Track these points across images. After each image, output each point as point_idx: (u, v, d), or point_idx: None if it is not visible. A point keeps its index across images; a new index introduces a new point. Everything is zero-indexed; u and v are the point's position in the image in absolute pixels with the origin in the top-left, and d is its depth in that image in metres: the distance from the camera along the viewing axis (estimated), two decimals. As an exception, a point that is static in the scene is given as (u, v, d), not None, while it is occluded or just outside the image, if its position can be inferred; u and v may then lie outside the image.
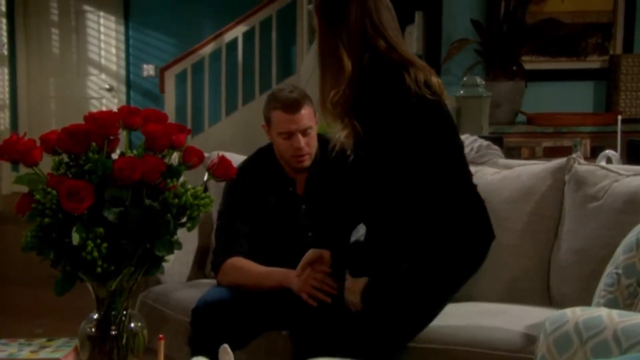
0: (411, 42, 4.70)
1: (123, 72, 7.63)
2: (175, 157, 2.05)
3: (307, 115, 2.60)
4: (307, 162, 2.63)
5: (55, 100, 7.71)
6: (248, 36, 6.74)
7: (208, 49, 6.73)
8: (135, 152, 1.98)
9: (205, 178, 2.08)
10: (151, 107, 7.08)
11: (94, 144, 1.91)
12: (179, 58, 6.73)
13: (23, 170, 1.91)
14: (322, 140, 2.71)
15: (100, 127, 1.92)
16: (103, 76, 7.72)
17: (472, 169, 2.72)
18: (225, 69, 6.75)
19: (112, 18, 7.64)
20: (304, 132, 2.60)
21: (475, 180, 2.50)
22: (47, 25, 7.79)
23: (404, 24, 4.90)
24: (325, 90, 2.32)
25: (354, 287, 2.29)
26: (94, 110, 7.61)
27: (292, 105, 2.58)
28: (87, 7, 7.73)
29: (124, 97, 7.63)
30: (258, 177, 2.73)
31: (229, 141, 6.21)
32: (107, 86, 7.69)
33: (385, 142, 2.19)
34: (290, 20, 6.89)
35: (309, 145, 2.61)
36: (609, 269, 1.97)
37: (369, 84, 2.22)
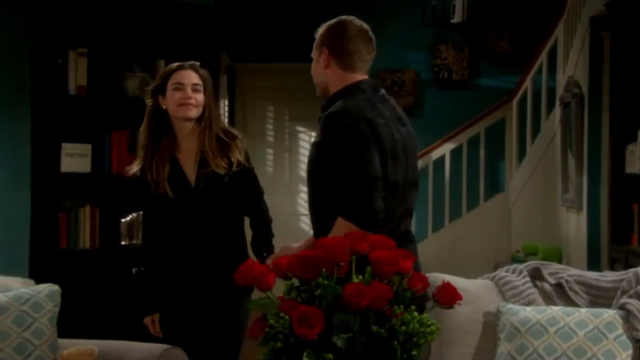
0: (634, 161, 4.49)
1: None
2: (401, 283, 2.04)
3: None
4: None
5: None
6: (455, 153, 6.77)
7: (415, 167, 6.77)
8: (360, 277, 1.99)
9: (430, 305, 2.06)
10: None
11: (324, 270, 1.94)
12: (386, 176, 6.82)
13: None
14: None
15: (330, 253, 1.95)
16: (312, 193, 8.00)
17: None
18: (432, 186, 6.76)
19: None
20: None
21: None
22: (263, 145, 8.28)
23: (624, 142, 4.73)
24: None
25: None
26: (304, 227, 7.91)
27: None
28: (299, 128, 8.16)
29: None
30: None
31: (435, 259, 6.15)
32: (316, 203, 7.95)
33: None
34: (499, 137, 6.86)
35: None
36: None
37: None
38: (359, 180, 2.51)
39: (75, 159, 4.43)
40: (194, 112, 3.10)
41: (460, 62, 7.28)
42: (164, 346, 2.62)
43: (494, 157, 6.96)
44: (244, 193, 3.16)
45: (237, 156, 3.12)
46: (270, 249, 3.16)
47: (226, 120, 7.93)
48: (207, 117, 3.14)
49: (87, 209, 4.47)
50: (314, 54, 2.76)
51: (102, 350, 2.62)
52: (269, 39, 7.84)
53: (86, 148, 4.47)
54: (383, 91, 2.81)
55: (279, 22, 7.75)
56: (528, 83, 6.53)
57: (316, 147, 2.64)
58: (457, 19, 6.74)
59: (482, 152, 6.75)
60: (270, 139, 8.30)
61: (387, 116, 2.67)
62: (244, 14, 7.45)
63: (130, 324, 4.25)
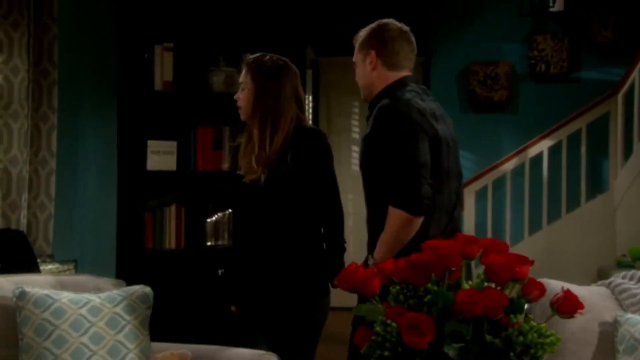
0: None
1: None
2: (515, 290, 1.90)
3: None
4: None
5: (353, 216, 7.93)
6: (554, 151, 6.53)
7: (510, 165, 6.63)
8: (470, 283, 1.86)
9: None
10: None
11: (433, 275, 1.82)
12: (479, 174, 6.69)
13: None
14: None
15: (441, 257, 1.84)
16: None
17: None
18: (529, 185, 6.57)
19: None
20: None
21: None
22: (348, 143, 8.19)
23: None
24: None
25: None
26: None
27: None
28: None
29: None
30: None
31: (531, 263, 5.90)
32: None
33: None
34: (602, 133, 6.59)
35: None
36: None
37: None
38: (407, 167, 2.65)
39: (161, 156, 4.37)
40: (242, 114, 2.98)
41: (559, 54, 6.98)
42: (257, 351, 2.52)
43: (597, 155, 6.65)
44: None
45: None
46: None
47: (310, 117, 7.83)
48: (249, 126, 2.97)
49: (173, 208, 4.41)
50: (356, 58, 2.94)
51: (195, 354, 2.55)
52: (354, 31, 7.72)
53: (172, 145, 4.40)
54: (423, 86, 2.99)
55: (365, 12, 7.62)
56: (635, 74, 6.21)
57: (368, 139, 2.81)
58: (557, 7, 6.49)
59: (583, 149, 6.47)
60: (356, 136, 8.14)
61: (433, 107, 2.85)
62: (329, 6, 7.34)
63: (218, 326, 4.18)
